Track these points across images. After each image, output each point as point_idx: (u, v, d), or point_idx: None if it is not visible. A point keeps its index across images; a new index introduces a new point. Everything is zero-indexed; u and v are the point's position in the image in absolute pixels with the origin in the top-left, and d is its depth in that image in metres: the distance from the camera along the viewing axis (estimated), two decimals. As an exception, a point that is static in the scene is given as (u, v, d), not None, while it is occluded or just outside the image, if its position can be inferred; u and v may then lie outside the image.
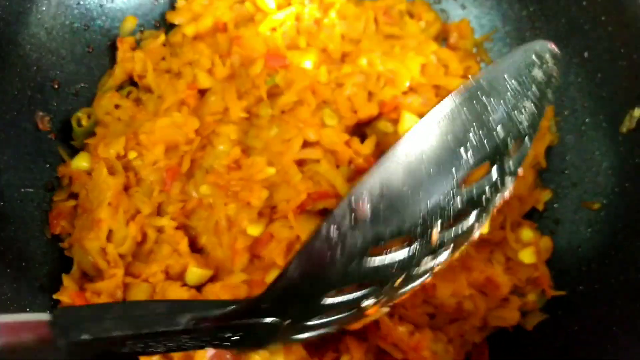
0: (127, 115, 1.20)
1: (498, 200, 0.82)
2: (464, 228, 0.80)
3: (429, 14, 1.36)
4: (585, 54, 1.23)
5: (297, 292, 0.79)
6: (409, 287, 0.84)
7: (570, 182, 1.25)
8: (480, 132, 0.75)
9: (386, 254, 0.76)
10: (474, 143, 0.75)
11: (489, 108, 0.76)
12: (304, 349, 1.10)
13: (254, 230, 1.07)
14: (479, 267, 1.13)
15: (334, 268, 0.75)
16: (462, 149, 0.75)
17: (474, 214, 0.80)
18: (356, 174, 1.13)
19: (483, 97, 0.76)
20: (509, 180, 0.81)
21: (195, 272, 1.06)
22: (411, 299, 1.11)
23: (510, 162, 0.80)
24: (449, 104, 0.74)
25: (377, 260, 0.76)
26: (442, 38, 1.38)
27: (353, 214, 0.72)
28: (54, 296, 1.04)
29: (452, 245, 0.81)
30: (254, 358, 1.04)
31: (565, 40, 1.26)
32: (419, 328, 1.09)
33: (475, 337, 1.15)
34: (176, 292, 1.03)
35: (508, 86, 0.78)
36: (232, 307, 0.82)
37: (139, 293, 1.05)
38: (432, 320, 1.13)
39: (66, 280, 1.07)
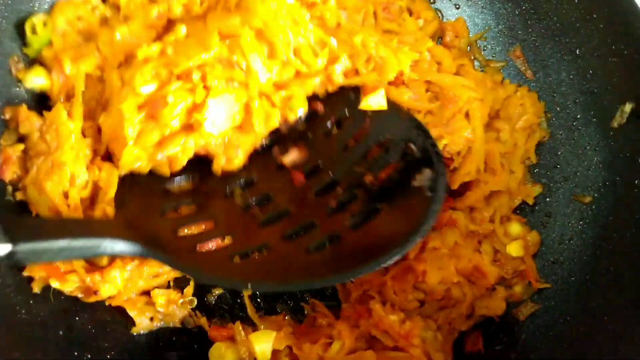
0: (87, 30, 1.14)
1: None
2: None
3: (428, 13, 1.36)
4: (577, 51, 1.26)
5: None
6: None
7: (562, 177, 1.27)
8: None
9: None
10: None
11: None
12: (295, 336, 1.13)
13: (142, 85, 0.99)
14: (467, 256, 1.15)
15: None
16: None
17: None
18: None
19: None
20: None
21: None
22: (401, 284, 1.13)
23: None
24: None
25: None
26: (437, 36, 1.40)
27: None
28: (24, 274, 1.02)
29: None
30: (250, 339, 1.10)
31: (557, 38, 1.29)
32: (409, 315, 1.11)
33: (463, 325, 1.16)
34: None
35: None
36: None
37: None
38: (421, 307, 1.15)
39: None
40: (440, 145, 1.21)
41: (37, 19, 1.12)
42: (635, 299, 1.05)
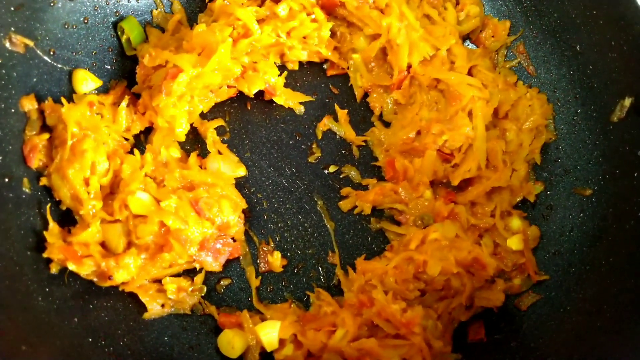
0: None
1: None
2: None
3: (473, 8, 1.36)
4: (577, 47, 1.28)
5: None
6: None
7: (562, 170, 1.30)
8: None
9: None
10: None
11: None
12: (300, 323, 1.15)
13: None
14: (467, 248, 1.17)
15: None
16: None
17: None
18: None
19: None
20: None
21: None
22: (402, 274, 1.16)
23: None
24: None
25: None
26: (479, 31, 1.39)
27: None
28: (44, 255, 1.07)
29: None
30: (257, 330, 1.13)
31: (558, 34, 1.31)
32: (411, 305, 1.13)
33: (462, 316, 1.19)
34: (146, 229, 1.11)
35: None
36: None
37: (115, 234, 1.12)
38: (422, 297, 1.17)
39: (49, 237, 1.08)
40: (441, 140, 1.24)
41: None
42: (634, 289, 1.07)
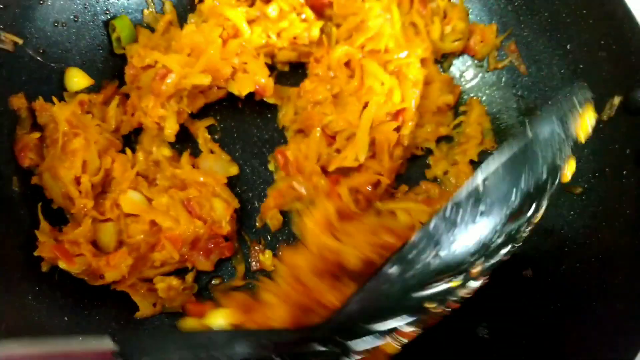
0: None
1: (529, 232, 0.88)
2: (497, 260, 0.85)
3: (461, 24, 1.35)
4: (568, 46, 1.28)
5: (353, 323, 0.85)
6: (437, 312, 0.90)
7: (553, 168, 1.30)
8: (530, 175, 0.82)
9: (431, 288, 0.84)
10: (522, 186, 0.82)
11: (539, 156, 0.83)
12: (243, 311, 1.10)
13: None
14: None
15: (389, 302, 0.84)
16: (514, 190, 0.81)
17: (507, 248, 0.85)
18: None
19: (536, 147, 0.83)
20: (540, 213, 0.88)
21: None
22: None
23: (544, 199, 0.87)
24: (508, 152, 0.81)
25: (424, 294, 0.83)
26: (466, 38, 1.39)
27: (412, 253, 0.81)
28: (35, 253, 1.06)
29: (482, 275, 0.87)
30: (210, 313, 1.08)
31: (549, 33, 1.32)
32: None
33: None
34: (137, 228, 1.11)
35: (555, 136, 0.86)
36: (290, 335, 0.87)
37: (107, 233, 1.12)
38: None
39: (40, 235, 1.08)
40: (326, 120, 1.23)
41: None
42: (624, 286, 1.08)
